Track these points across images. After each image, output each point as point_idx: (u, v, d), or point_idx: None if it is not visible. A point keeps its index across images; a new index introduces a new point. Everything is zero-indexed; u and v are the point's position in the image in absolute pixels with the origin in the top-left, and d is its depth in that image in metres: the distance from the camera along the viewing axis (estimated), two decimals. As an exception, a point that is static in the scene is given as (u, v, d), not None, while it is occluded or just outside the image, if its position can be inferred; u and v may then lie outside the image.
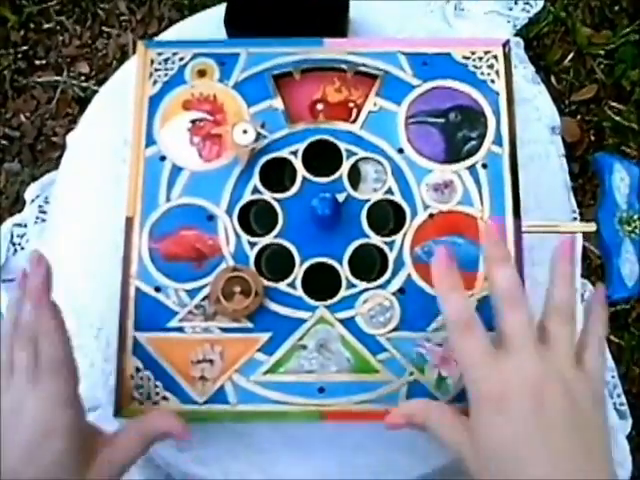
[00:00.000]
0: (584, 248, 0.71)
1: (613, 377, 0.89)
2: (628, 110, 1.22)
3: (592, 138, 1.22)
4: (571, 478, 0.42)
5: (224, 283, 0.55)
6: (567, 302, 0.50)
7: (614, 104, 1.23)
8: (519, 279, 0.49)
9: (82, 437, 0.49)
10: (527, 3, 1.19)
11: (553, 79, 1.23)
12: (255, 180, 0.59)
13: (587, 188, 1.19)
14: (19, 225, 0.94)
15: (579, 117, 1.22)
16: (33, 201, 0.92)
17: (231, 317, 0.56)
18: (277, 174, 0.60)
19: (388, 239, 0.58)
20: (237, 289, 0.56)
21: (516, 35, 1.16)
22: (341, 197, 0.58)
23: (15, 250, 0.93)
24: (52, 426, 0.47)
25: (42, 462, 0.47)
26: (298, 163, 0.59)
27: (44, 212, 0.92)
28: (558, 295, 0.49)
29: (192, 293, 0.57)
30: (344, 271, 0.57)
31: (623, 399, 0.88)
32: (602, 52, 1.24)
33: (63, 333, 0.50)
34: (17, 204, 1.18)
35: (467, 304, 0.49)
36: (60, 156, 1.16)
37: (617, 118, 1.22)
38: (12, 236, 0.92)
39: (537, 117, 0.70)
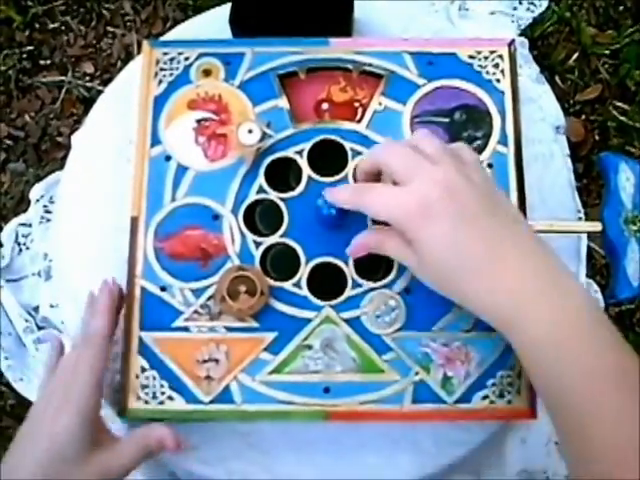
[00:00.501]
0: (589, 248, 0.71)
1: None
2: (633, 110, 1.22)
3: (596, 138, 1.22)
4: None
5: (229, 282, 0.55)
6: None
7: (619, 104, 1.23)
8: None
9: (92, 424, 0.51)
10: (531, 3, 1.19)
11: (558, 79, 1.23)
12: (260, 180, 0.59)
13: (592, 188, 1.19)
14: (24, 225, 0.94)
15: (584, 117, 1.22)
16: (38, 201, 0.92)
17: (236, 317, 0.56)
18: (282, 174, 0.60)
19: (393, 239, 0.58)
20: (242, 289, 0.56)
21: (520, 35, 1.16)
22: None
23: (20, 250, 0.93)
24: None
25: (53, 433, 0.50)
26: (303, 163, 0.59)
27: (49, 212, 0.92)
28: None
29: (197, 293, 0.57)
30: (350, 271, 0.57)
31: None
32: (607, 52, 1.24)
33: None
34: (22, 204, 1.18)
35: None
36: (65, 156, 1.16)
37: (622, 118, 1.21)
38: (17, 236, 0.92)
39: (542, 117, 0.70)
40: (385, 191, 0.50)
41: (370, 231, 0.55)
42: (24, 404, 0.98)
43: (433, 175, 0.48)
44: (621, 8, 1.27)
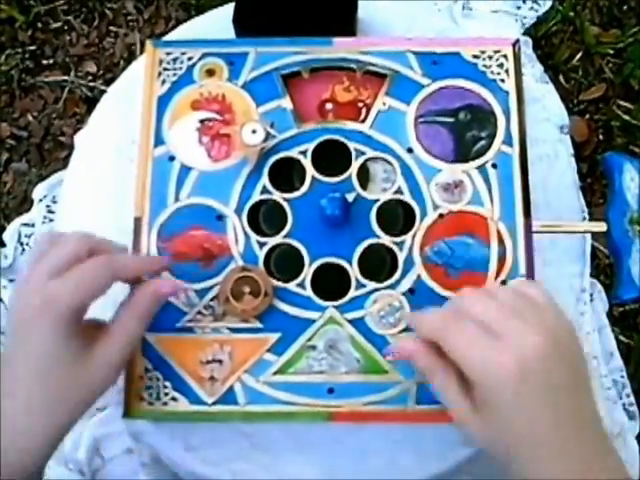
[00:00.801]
0: (593, 247, 0.71)
1: (622, 377, 0.89)
2: (637, 109, 1.21)
3: (601, 137, 1.21)
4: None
5: (233, 283, 0.55)
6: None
7: (623, 103, 1.22)
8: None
9: (77, 326, 0.47)
10: (535, 2, 1.18)
11: (562, 78, 1.23)
12: (264, 180, 0.59)
13: (596, 187, 1.18)
14: (27, 225, 0.94)
15: (588, 116, 1.22)
16: (41, 201, 0.92)
17: (240, 317, 0.56)
18: (286, 174, 0.60)
19: (398, 239, 0.57)
20: (246, 289, 0.55)
21: (524, 34, 1.16)
22: (350, 197, 0.58)
23: (23, 250, 0.93)
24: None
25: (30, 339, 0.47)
26: (307, 163, 0.59)
27: (52, 212, 0.92)
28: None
29: (201, 293, 0.57)
30: (354, 271, 0.57)
31: (632, 399, 0.88)
32: (610, 51, 1.23)
33: None
34: (25, 204, 1.18)
35: (441, 310, 0.48)
36: (67, 156, 1.16)
37: (626, 117, 1.21)
38: (19, 236, 0.92)
39: (546, 117, 0.70)
40: (477, 338, 0.45)
41: (422, 346, 0.48)
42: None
43: (534, 337, 0.44)
44: (625, 7, 1.26)
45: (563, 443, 0.44)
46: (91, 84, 1.25)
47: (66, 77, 1.26)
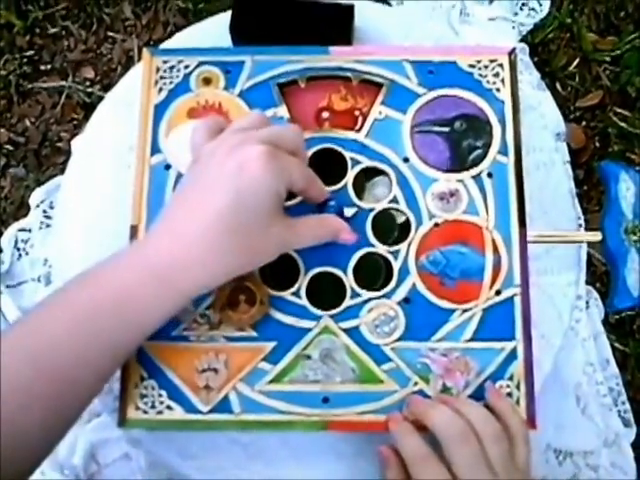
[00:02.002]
0: (589, 255, 0.71)
1: (617, 385, 0.89)
2: (633, 116, 1.22)
3: (597, 144, 1.21)
4: None
5: (229, 292, 0.55)
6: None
7: (619, 110, 1.23)
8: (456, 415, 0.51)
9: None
10: (532, 9, 1.19)
11: (558, 85, 1.23)
12: (260, 189, 0.59)
13: (592, 195, 1.19)
14: (24, 230, 0.94)
15: (584, 123, 1.22)
16: (38, 206, 0.92)
17: (236, 326, 0.56)
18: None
19: (393, 248, 0.58)
20: (242, 298, 0.56)
21: (521, 41, 1.16)
22: (350, 212, 0.58)
23: (19, 255, 0.93)
24: None
25: None
26: (303, 172, 0.59)
27: (49, 217, 0.92)
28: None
29: (197, 302, 0.56)
30: (349, 280, 0.57)
31: (627, 406, 0.88)
32: (607, 58, 1.24)
33: None
34: (22, 209, 1.18)
35: (421, 442, 0.51)
36: (65, 161, 1.17)
37: (622, 124, 1.21)
38: (16, 241, 0.92)
39: (543, 125, 0.70)
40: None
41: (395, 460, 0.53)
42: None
43: None
44: (622, 14, 1.27)
45: None
46: (89, 90, 1.26)
47: (64, 82, 1.26)
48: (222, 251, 0.49)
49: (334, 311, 0.56)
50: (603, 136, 1.22)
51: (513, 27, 1.17)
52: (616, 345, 1.08)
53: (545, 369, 0.63)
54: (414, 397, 0.55)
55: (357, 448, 0.60)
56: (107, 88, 1.22)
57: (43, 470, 0.72)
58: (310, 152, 0.59)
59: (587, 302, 0.94)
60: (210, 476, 0.59)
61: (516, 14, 1.18)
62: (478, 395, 0.55)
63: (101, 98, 0.75)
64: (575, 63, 1.24)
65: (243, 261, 0.51)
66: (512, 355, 0.56)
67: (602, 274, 1.12)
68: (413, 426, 0.52)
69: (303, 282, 0.57)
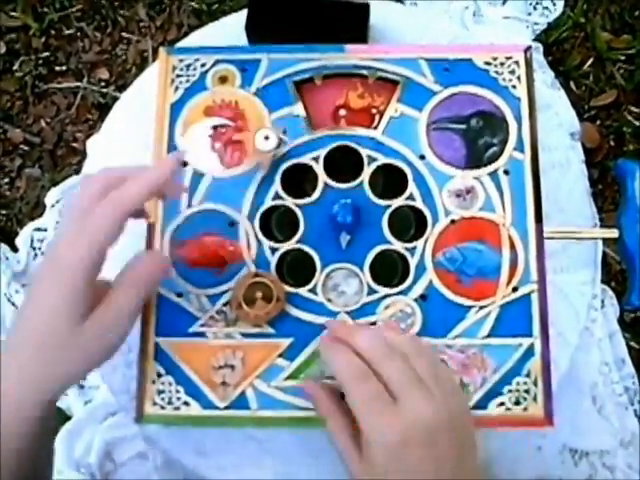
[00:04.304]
0: (604, 254, 0.71)
1: (634, 384, 0.89)
2: (648, 116, 1.21)
3: (612, 144, 1.21)
4: None
5: (246, 289, 0.56)
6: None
7: (634, 109, 1.22)
8: (381, 336, 0.49)
9: (90, 280, 0.47)
10: (546, 8, 1.18)
11: (572, 84, 1.22)
12: (276, 186, 0.59)
13: (607, 194, 1.18)
14: (39, 230, 0.94)
15: (599, 122, 1.22)
16: (53, 206, 0.93)
17: (252, 323, 0.56)
18: (298, 180, 0.60)
19: (409, 245, 0.58)
20: (259, 295, 0.56)
21: (535, 40, 1.16)
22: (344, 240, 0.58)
23: (35, 255, 0.94)
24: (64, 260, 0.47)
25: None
26: (319, 169, 0.59)
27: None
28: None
29: (213, 299, 0.57)
30: (365, 277, 0.57)
31: (644, 405, 0.88)
32: (622, 57, 1.23)
33: None
34: (37, 209, 1.19)
35: (356, 359, 0.48)
36: (80, 161, 1.17)
37: (637, 123, 1.21)
38: (32, 241, 0.93)
39: (558, 123, 0.69)
40: (376, 400, 0.46)
41: (323, 392, 0.52)
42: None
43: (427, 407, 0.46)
44: (637, 13, 1.26)
45: None
46: (103, 90, 1.26)
47: (79, 83, 1.27)
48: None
49: (351, 308, 0.56)
50: (618, 135, 1.21)
51: (527, 26, 1.17)
52: (632, 344, 1.07)
53: (562, 368, 0.62)
54: (332, 321, 0.55)
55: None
56: (122, 89, 1.22)
57: (60, 469, 0.72)
58: (326, 150, 0.59)
59: (602, 301, 0.94)
60: (225, 474, 0.59)
61: (530, 14, 1.18)
62: (495, 392, 0.55)
63: (116, 99, 0.75)
64: (589, 62, 1.23)
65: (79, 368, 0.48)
66: (529, 352, 0.55)
67: (617, 273, 1.12)
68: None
69: (320, 279, 0.57)
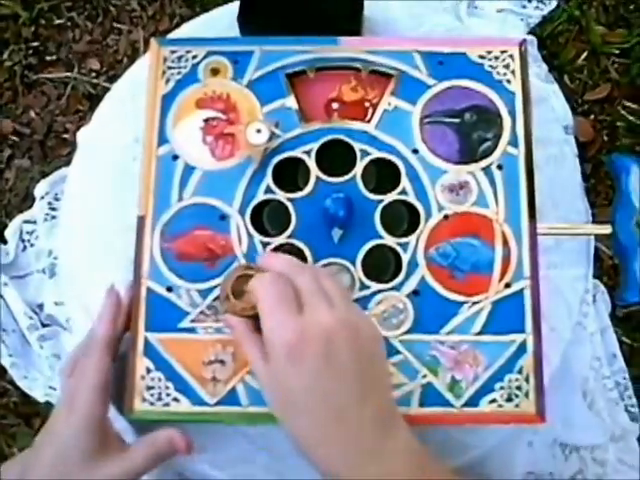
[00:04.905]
0: (596, 249, 0.71)
1: (624, 379, 0.89)
2: (642, 110, 1.21)
3: (605, 138, 1.21)
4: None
5: (234, 281, 0.54)
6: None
7: (628, 104, 1.22)
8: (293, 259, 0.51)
9: (98, 428, 0.51)
10: (541, 1, 1.18)
11: (566, 78, 1.22)
12: (268, 180, 0.58)
13: (600, 189, 1.18)
14: (28, 222, 0.93)
15: (592, 117, 1.21)
16: (43, 198, 0.92)
17: (239, 316, 0.55)
18: (290, 174, 0.60)
19: (402, 240, 0.57)
20: (247, 288, 0.55)
21: (529, 33, 1.15)
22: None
23: (24, 247, 0.93)
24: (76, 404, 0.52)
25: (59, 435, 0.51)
26: (312, 163, 0.59)
27: (54, 209, 0.91)
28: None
29: (204, 293, 0.56)
30: (357, 272, 0.56)
31: (634, 401, 0.88)
32: (616, 51, 1.23)
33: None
34: (27, 201, 1.18)
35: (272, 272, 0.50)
36: (70, 153, 1.16)
37: (631, 118, 1.20)
38: (21, 233, 0.92)
39: (553, 118, 0.69)
40: (283, 302, 0.47)
41: (239, 323, 0.52)
42: (28, 402, 0.99)
43: (329, 315, 0.47)
44: (632, 7, 1.26)
45: (327, 421, 0.46)
46: (94, 81, 1.25)
47: (69, 74, 1.26)
48: None
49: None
50: (611, 129, 1.21)
51: (521, 20, 1.16)
52: (623, 339, 1.07)
53: (554, 363, 0.62)
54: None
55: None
56: (113, 79, 1.21)
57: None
58: (319, 143, 0.59)
59: (594, 296, 0.94)
60: (217, 470, 0.59)
61: (524, 7, 1.17)
62: (487, 388, 0.55)
63: (107, 90, 0.74)
64: (584, 56, 1.23)
65: None
66: (522, 348, 0.55)
67: (609, 268, 1.12)
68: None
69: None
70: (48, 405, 0.91)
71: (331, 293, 0.48)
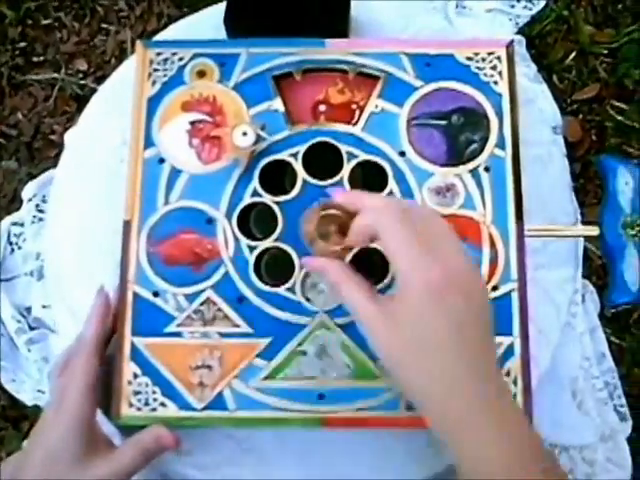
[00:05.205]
0: (585, 249, 0.71)
1: (613, 378, 0.89)
2: (630, 109, 1.21)
3: (594, 138, 1.21)
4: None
5: (317, 223, 0.51)
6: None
7: (616, 103, 1.22)
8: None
9: (86, 430, 0.52)
10: (529, 1, 1.18)
11: (555, 78, 1.22)
12: (255, 183, 0.58)
13: (589, 188, 1.18)
14: (16, 224, 0.93)
15: (581, 116, 1.22)
16: (30, 200, 0.91)
17: (330, 257, 0.50)
18: (277, 177, 0.59)
19: (389, 243, 0.57)
20: (332, 228, 0.51)
21: (518, 33, 1.15)
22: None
23: (12, 249, 0.92)
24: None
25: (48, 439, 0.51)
26: (298, 165, 0.58)
27: (41, 211, 0.91)
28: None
29: (190, 298, 0.56)
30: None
31: (623, 401, 0.88)
32: (605, 51, 1.23)
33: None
34: (14, 202, 1.17)
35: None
36: (58, 154, 1.15)
37: (619, 117, 1.21)
38: (9, 235, 0.92)
39: (541, 119, 0.69)
40: (414, 243, 0.45)
41: (333, 264, 0.49)
42: (16, 405, 0.98)
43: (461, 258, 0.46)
44: (620, 6, 1.26)
45: (459, 363, 0.44)
46: (82, 82, 1.24)
47: (56, 75, 1.25)
48: None
49: (330, 306, 0.56)
50: (600, 129, 1.21)
51: (510, 19, 1.16)
52: (612, 339, 1.08)
53: (542, 365, 0.62)
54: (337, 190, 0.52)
55: (353, 447, 0.59)
56: (100, 80, 1.20)
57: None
58: (305, 146, 0.59)
59: (583, 296, 0.94)
60: (205, 473, 0.59)
61: (513, 6, 1.17)
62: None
63: (94, 90, 0.74)
64: (572, 56, 1.23)
65: None
66: (509, 351, 0.55)
67: (598, 267, 1.12)
68: None
69: (298, 277, 0.56)
70: (36, 409, 0.91)
71: (448, 238, 0.47)
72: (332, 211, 0.50)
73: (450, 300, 0.44)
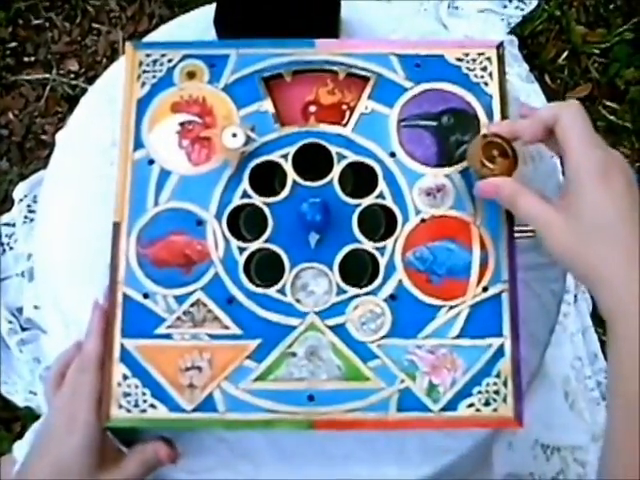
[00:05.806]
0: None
1: (606, 378, 0.89)
2: (622, 109, 1.21)
3: (586, 137, 1.21)
4: None
5: (482, 149, 0.54)
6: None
7: (608, 103, 1.22)
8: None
9: (97, 447, 0.53)
10: (521, 1, 1.18)
11: (547, 78, 1.22)
12: (245, 184, 0.58)
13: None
14: (8, 225, 0.93)
15: (573, 116, 1.22)
16: (21, 200, 0.91)
17: (499, 176, 0.54)
18: (267, 178, 0.59)
19: (379, 244, 0.57)
20: (495, 152, 0.54)
21: (510, 33, 1.15)
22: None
23: (4, 250, 0.92)
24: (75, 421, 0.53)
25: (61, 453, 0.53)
26: (288, 167, 0.58)
27: (33, 212, 0.91)
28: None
29: (180, 299, 0.56)
30: (334, 277, 0.56)
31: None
32: (597, 51, 1.23)
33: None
34: (5, 203, 1.16)
35: None
36: (49, 155, 1.15)
37: (611, 117, 1.21)
38: (0, 236, 0.92)
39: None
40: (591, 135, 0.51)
41: (506, 180, 0.54)
42: (8, 407, 0.98)
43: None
44: (611, 6, 1.26)
45: (632, 249, 0.48)
46: (73, 82, 1.24)
47: (48, 75, 1.24)
48: None
49: (320, 308, 0.56)
50: (592, 129, 1.21)
51: (502, 20, 1.17)
52: (604, 339, 1.08)
53: (533, 366, 0.62)
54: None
55: (347, 450, 0.59)
56: (92, 81, 1.20)
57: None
58: (295, 147, 0.59)
59: (575, 296, 0.94)
60: (196, 476, 0.59)
61: (505, 7, 1.18)
62: (465, 393, 0.54)
63: (85, 91, 0.74)
64: (564, 55, 1.23)
65: None
66: (499, 352, 0.55)
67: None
68: None
69: (288, 279, 0.56)
70: (28, 410, 0.91)
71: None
72: (492, 139, 0.54)
73: (617, 185, 0.49)
